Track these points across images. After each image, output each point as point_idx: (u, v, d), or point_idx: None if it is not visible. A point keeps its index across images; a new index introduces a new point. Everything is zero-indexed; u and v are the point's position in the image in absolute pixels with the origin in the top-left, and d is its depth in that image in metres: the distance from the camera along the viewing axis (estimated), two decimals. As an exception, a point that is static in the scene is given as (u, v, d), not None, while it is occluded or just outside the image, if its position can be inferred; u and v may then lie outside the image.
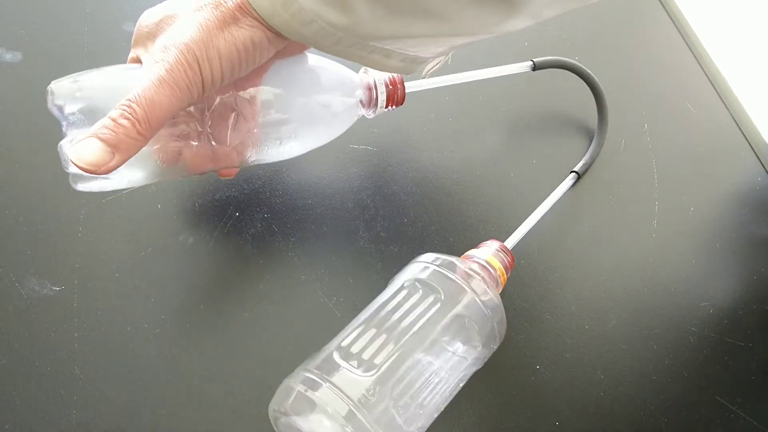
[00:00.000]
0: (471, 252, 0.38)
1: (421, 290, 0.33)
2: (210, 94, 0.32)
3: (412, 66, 0.35)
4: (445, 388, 0.32)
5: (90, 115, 0.32)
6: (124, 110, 0.29)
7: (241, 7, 0.31)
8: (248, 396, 0.35)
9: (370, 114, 0.41)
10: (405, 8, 0.30)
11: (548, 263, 0.42)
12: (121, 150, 0.29)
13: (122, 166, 0.30)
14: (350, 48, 0.32)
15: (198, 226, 0.40)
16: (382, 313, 0.33)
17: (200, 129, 0.34)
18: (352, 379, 0.29)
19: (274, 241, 0.41)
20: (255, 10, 0.31)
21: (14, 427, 0.34)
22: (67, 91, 0.32)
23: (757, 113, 0.52)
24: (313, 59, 0.37)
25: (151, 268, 0.39)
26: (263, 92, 0.35)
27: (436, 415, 0.32)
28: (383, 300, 0.34)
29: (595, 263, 0.42)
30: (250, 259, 0.40)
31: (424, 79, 0.43)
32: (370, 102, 0.40)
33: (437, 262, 0.35)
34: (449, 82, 0.44)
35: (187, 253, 0.40)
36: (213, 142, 0.35)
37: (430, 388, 0.31)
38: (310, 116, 0.37)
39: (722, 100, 0.53)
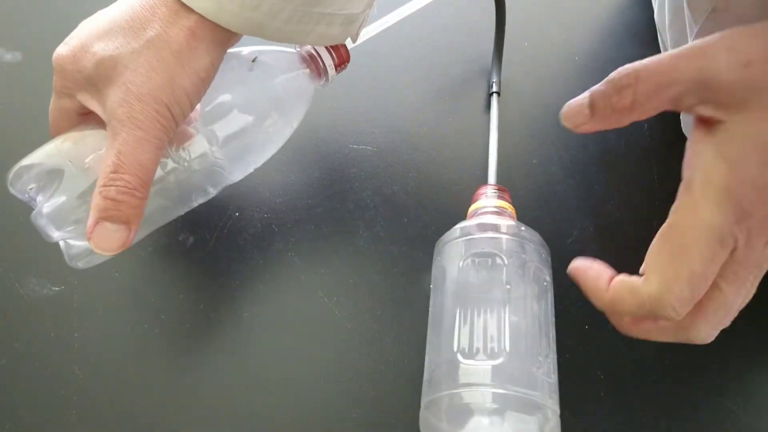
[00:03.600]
0: (477, 205, 0.38)
1: (480, 260, 0.34)
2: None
3: (350, 28, 0.35)
4: (549, 327, 0.33)
5: (60, 183, 0.31)
6: (117, 185, 0.28)
7: (193, 34, 0.29)
8: (247, 396, 0.35)
9: (323, 83, 0.40)
10: None
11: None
12: (132, 221, 0.29)
13: None
14: (297, 25, 0.32)
15: (198, 226, 0.40)
16: (463, 300, 0.33)
17: (178, 165, 0.34)
18: (485, 369, 0.30)
19: (274, 241, 0.41)
20: (206, 27, 0.30)
21: (14, 427, 0.34)
22: (31, 175, 0.31)
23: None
24: (243, 53, 0.37)
25: (151, 268, 0.39)
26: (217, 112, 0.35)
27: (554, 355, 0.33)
28: (450, 293, 0.34)
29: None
30: (250, 259, 0.40)
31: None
32: (319, 72, 0.39)
33: (475, 232, 0.35)
34: (384, 24, 0.42)
35: (187, 253, 0.40)
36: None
37: (541, 334, 0.32)
38: (270, 110, 0.37)
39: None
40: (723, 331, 0.40)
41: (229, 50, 0.34)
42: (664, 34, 0.46)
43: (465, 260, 0.34)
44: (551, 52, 0.51)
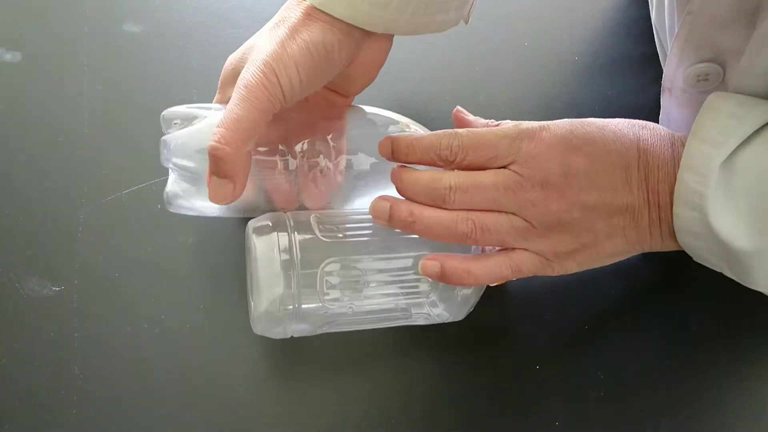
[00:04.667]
0: None
1: None
2: (291, 104, 0.33)
3: (463, 11, 0.38)
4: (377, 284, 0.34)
5: (194, 126, 0.35)
6: (214, 138, 0.30)
7: (308, 14, 0.33)
8: (248, 396, 0.35)
9: None
10: None
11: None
12: (231, 176, 0.31)
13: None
14: (422, 17, 0.35)
15: (198, 226, 0.40)
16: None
17: (290, 168, 0.35)
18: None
19: (274, 241, 0.41)
20: (325, 13, 0.32)
21: (14, 427, 0.34)
22: (178, 116, 0.35)
23: None
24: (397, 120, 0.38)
25: (151, 268, 0.39)
26: (348, 142, 0.36)
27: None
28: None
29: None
30: (250, 259, 0.40)
31: None
32: None
33: None
34: None
35: (187, 253, 0.40)
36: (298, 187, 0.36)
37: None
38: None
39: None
40: (724, 331, 0.40)
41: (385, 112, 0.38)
42: (663, 34, 0.46)
43: None
44: (551, 52, 0.51)
